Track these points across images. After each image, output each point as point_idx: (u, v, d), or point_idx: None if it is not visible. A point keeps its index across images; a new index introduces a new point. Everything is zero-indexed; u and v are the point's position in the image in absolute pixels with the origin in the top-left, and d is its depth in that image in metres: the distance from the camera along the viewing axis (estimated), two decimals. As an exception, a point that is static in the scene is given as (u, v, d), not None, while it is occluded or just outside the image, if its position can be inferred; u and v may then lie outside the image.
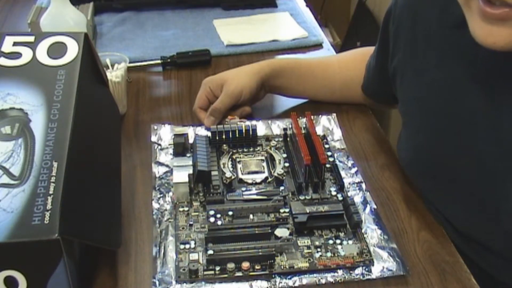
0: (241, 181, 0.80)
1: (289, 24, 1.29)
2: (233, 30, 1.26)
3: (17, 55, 0.73)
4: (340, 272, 0.68)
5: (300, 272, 0.68)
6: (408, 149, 0.82)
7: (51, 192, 0.59)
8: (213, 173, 0.78)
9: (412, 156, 0.81)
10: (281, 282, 0.67)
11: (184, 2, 1.37)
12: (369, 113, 0.98)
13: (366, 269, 0.68)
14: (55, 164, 0.61)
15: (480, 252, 0.77)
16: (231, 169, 0.81)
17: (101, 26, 1.28)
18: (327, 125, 0.92)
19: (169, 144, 0.87)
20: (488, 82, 0.70)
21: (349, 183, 0.81)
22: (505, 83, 0.68)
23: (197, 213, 0.76)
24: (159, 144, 0.88)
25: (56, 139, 0.64)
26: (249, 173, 0.82)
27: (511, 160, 0.68)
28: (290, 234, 0.71)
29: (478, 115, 0.70)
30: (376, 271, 0.68)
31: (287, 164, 0.83)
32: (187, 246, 0.71)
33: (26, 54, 0.73)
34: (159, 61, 1.12)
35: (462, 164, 0.74)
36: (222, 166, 0.81)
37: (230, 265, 0.67)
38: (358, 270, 0.68)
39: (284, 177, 0.80)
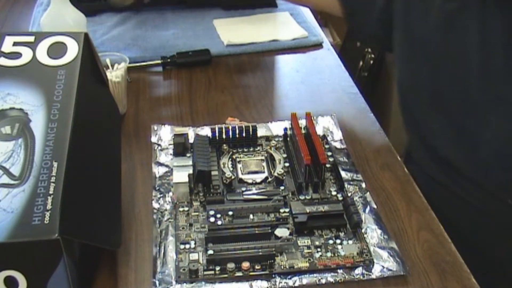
0: (241, 181, 0.80)
1: (289, 24, 1.29)
2: (233, 30, 1.26)
3: (17, 55, 0.73)
4: (340, 272, 0.68)
5: (300, 272, 0.68)
6: (405, 80, 0.88)
7: (51, 192, 0.59)
8: (213, 173, 0.78)
9: (407, 86, 0.87)
10: (281, 282, 0.67)
11: (184, 2, 1.37)
12: (369, 113, 0.98)
13: (366, 269, 0.68)
14: (55, 164, 0.61)
15: (455, 177, 0.84)
16: (231, 169, 0.81)
17: (101, 26, 1.28)
18: (327, 125, 0.92)
19: (169, 144, 0.87)
20: (481, 19, 0.74)
21: (349, 183, 0.81)
22: (497, 21, 0.73)
23: (197, 213, 0.76)
24: (159, 145, 0.88)
25: (56, 139, 0.64)
26: (249, 173, 0.82)
27: (494, 94, 0.74)
28: (290, 234, 0.71)
29: (471, 50, 0.75)
30: (376, 271, 0.68)
31: (287, 164, 0.83)
32: (187, 246, 0.71)
33: (26, 54, 0.73)
34: (159, 61, 1.11)
35: (452, 95, 0.79)
36: (222, 166, 0.81)
37: (230, 265, 0.67)
38: (358, 270, 0.68)
39: (284, 177, 0.80)
